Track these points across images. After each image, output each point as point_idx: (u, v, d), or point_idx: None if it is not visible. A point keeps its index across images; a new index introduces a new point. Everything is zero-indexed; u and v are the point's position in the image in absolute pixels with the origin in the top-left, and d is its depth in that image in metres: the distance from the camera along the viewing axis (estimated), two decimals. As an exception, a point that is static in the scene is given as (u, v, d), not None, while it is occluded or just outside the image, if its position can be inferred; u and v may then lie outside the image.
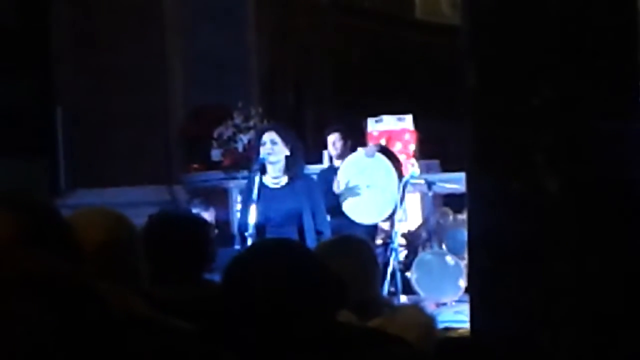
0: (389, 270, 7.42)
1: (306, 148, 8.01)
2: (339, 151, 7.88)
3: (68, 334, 1.66)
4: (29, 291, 1.65)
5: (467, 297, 3.66)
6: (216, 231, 7.83)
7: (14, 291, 1.59)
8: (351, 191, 7.53)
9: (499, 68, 2.55)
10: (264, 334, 1.97)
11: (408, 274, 8.25)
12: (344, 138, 7.90)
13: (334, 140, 7.92)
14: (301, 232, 5.96)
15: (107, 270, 2.34)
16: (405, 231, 8.85)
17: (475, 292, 2.66)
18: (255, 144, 6.28)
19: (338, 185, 7.58)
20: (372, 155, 7.73)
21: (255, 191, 5.97)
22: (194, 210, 7.35)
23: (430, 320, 3.11)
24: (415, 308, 3.51)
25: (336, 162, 7.97)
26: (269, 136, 6.09)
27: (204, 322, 2.13)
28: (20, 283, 1.63)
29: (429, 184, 8.52)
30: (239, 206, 7.96)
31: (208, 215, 7.95)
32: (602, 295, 2.45)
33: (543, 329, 2.45)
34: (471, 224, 2.65)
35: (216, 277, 3.04)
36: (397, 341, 2.18)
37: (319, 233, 6.01)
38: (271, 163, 6.06)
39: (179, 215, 3.58)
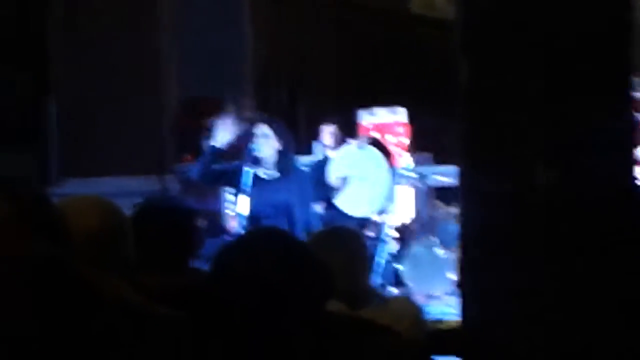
0: (380, 262, 7.43)
1: (298, 140, 8.02)
2: (335, 142, 7.86)
3: (57, 319, 1.66)
4: (20, 276, 1.65)
5: (456, 290, 3.67)
6: (205, 222, 7.81)
7: (4, 275, 1.60)
8: (347, 183, 7.51)
9: (492, 63, 2.55)
10: (252, 322, 1.98)
11: (398, 266, 8.25)
12: (342, 130, 7.90)
13: (331, 131, 7.90)
14: (292, 225, 5.97)
15: (98, 257, 2.34)
16: (397, 223, 8.84)
17: (467, 285, 2.67)
18: (248, 136, 6.30)
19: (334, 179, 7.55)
20: (364, 148, 7.73)
21: (250, 182, 6.00)
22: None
23: (419, 311, 3.13)
24: (405, 299, 3.53)
25: (330, 153, 7.96)
26: (260, 129, 6.12)
27: (191, 310, 2.13)
28: (11, 268, 1.64)
29: (422, 177, 8.53)
30: (229, 197, 7.95)
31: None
32: (587, 293, 2.46)
33: (532, 321, 2.46)
34: (464, 219, 2.66)
35: (205, 266, 3.05)
36: (386, 331, 2.19)
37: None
38: (262, 156, 6.08)
39: (164, 204, 3.55)
